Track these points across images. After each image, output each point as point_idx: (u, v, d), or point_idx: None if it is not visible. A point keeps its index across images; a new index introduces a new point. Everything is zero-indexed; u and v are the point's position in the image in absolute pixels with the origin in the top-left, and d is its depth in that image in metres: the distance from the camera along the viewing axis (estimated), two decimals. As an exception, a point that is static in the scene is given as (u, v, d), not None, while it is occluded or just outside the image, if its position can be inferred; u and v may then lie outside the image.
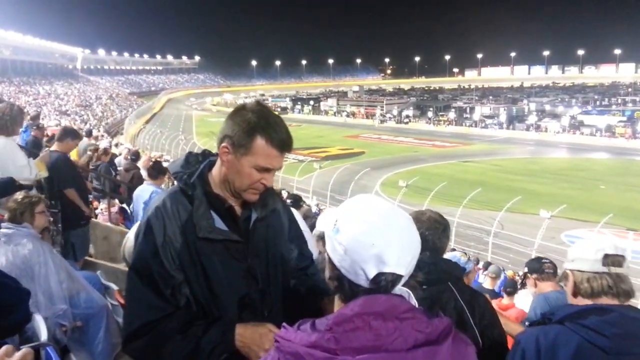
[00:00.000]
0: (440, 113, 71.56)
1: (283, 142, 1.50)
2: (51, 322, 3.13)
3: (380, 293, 1.05)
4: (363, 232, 1.04)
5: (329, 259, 1.11)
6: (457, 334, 1.06)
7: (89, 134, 11.26)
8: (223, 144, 1.52)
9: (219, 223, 1.55)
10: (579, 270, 1.72)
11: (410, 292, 1.10)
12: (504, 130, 59.45)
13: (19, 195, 3.46)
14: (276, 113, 1.56)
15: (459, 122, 65.95)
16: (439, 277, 2.02)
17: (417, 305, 1.09)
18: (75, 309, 3.39)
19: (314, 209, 16.97)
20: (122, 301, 3.46)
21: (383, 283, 1.04)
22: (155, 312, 1.47)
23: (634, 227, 22.46)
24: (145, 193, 5.17)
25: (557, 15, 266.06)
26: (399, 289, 1.08)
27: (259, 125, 1.47)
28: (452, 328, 1.05)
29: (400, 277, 1.06)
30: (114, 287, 3.93)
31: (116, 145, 18.66)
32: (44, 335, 2.85)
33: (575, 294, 1.74)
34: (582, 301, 1.72)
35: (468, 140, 54.49)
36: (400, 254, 1.04)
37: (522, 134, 57.13)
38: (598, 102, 78.40)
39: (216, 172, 1.59)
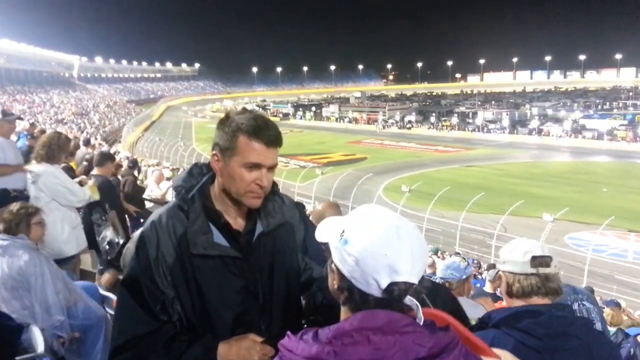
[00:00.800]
0: (443, 118, 71.45)
1: (267, 136, 1.46)
2: (48, 334, 3.11)
3: (393, 302, 1.05)
4: (374, 243, 1.04)
5: (337, 269, 1.10)
6: (467, 350, 1.05)
7: (87, 142, 11.41)
8: (212, 153, 1.52)
9: (218, 237, 1.52)
10: (510, 272, 1.80)
11: (419, 305, 1.10)
12: (507, 135, 59.36)
13: (14, 206, 3.40)
14: (262, 114, 1.55)
15: (462, 127, 65.85)
16: None
17: (422, 318, 1.09)
18: (73, 320, 3.34)
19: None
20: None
21: (396, 292, 1.04)
22: (143, 327, 1.46)
23: (636, 228, 22.58)
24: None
25: (558, 21, 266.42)
26: (409, 299, 1.09)
27: (241, 125, 1.46)
28: (458, 342, 1.05)
29: (412, 285, 1.05)
30: (113, 297, 3.84)
31: (115, 153, 18.83)
32: (40, 347, 2.86)
33: (509, 293, 1.82)
34: (515, 301, 1.81)
35: (471, 145, 54.47)
36: (412, 263, 1.04)
37: (525, 138, 57.07)
38: (600, 106, 78.35)
39: (216, 183, 1.56)
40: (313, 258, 1.68)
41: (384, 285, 1.03)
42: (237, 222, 1.57)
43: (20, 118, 5.11)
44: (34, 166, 4.36)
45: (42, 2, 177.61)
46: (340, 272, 1.09)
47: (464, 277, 3.49)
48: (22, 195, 4.06)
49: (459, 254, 17.54)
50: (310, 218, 2.92)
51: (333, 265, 1.12)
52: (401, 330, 1.01)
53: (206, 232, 1.50)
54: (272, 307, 1.59)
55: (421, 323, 1.08)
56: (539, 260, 1.74)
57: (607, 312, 5.79)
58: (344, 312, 1.12)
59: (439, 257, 12.06)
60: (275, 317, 1.60)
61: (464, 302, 2.78)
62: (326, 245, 1.16)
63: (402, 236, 1.06)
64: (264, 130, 1.46)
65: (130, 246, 1.56)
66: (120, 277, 1.75)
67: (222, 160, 1.49)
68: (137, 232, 1.56)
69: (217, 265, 1.50)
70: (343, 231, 1.10)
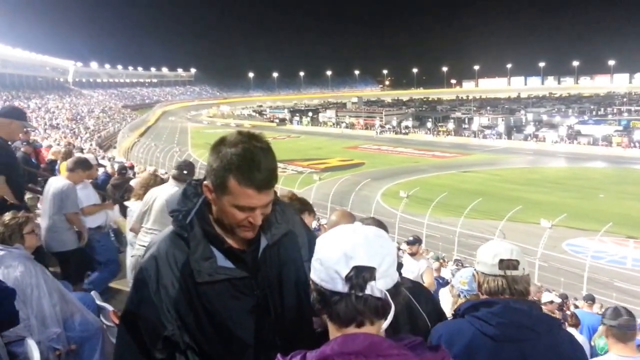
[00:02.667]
0: (439, 124, 71.81)
1: (259, 182, 1.36)
2: (44, 346, 3.07)
3: (357, 292, 1.06)
4: (333, 240, 1.12)
5: (312, 282, 1.15)
6: None
7: (81, 150, 11.32)
8: (205, 182, 1.43)
9: (222, 260, 1.46)
10: (481, 272, 1.92)
11: (387, 293, 1.10)
12: (503, 140, 59.71)
13: (6, 217, 3.36)
14: (259, 145, 1.39)
15: (458, 133, 66.22)
16: None
17: (392, 305, 1.11)
18: (70, 332, 3.30)
19: (314, 224, 17.00)
20: (117, 322, 3.32)
21: (355, 280, 1.06)
22: None
23: (635, 235, 22.60)
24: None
25: (551, 27, 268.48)
26: (377, 289, 1.08)
27: (231, 164, 1.35)
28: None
29: (372, 269, 1.07)
30: (109, 307, 3.83)
31: (109, 159, 18.71)
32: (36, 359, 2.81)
33: (480, 292, 1.95)
34: (485, 297, 1.93)
35: (467, 150, 54.67)
36: (367, 248, 1.09)
37: (521, 143, 57.35)
38: (594, 112, 78.91)
39: (212, 209, 1.49)
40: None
41: (344, 274, 1.06)
42: (240, 241, 1.49)
43: (34, 129, 5.04)
44: (131, 203, 5.26)
45: (36, 7, 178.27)
46: (314, 283, 1.13)
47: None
48: (18, 205, 3.96)
49: (458, 261, 17.48)
50: (326, 227, 2.89)
51: (310, 282, 1.15)
52: (384, 353, 1.02)
53: (209, 257, 1.45)
54: (285, 320, 1.54)
55: (387, 322, 1.11)
56: (506, 263, 1.85)
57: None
58: (330, 329, 1.13)
59: (442, 266, 11.99)
60: (291, 330, 1.54)
61: None
62: None
63: (357, 230, 1.13)
64: (255, 174, 1.36)
65: (134, 279, 1.51)
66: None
67: (214, 193, 1.41)
68: (139, 266, 1.50)
69: (225, 289, 1.45)
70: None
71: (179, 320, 1.43)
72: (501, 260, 1.86)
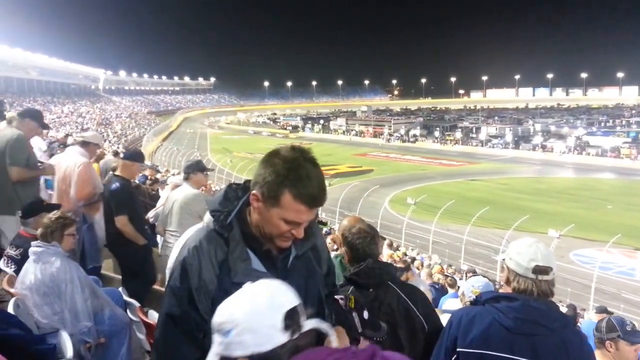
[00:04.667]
0: (447, 132, 71.68)
1: (313, 198, 1.41)
2: (76, 339, 3.17)
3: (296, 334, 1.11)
4: (245, 307, 1.15)
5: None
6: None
7: (116, 154, 11.51)
8: (253, 192, 1.46)
9: (257, 264, 1.50)
10: (513, 270, 2.00)
11: (318, 320, 1.18)
12: (510, 150, 59.51)
13: (54, 214, 3.48)
14: (312, 162, 1.43)
15: (466, 142, 66.09)
16: (381, 279, 2.35)
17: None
18: (100, 325, 3.41)
19: (324, 229, 17.11)
20: (143, 318, 3.43)
21: (291, 324, 1.12)
22: (189, 358, 1.46)
23: (643, 247, 22.52)
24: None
25: (560, 39, 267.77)
26: (308, 323, 1.15)
27: (288, 179, 1.38)
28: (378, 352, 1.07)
29: (300, 306, 1.15)
30: (136, 303, 3.86)
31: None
32: (69, 352, 2.91)
33: (508, 284, 2.04)
34: (510, 292, 2.03)
35: (475, 159, 54.55)
36: (280, 291, 1.18)
37: (528, 153, 57.13)
38: (603, 124, 78.48)
39: (253, 215, 1.52)
40: (328, 276, 1.76)
41: (280, 323, 1.10)
42: (272, 247, 1.54)
43: (48, 127, 5.11)
44: None
45: (71, 20, 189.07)
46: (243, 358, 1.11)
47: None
48: (54, 205, 4.07)
49: (476, 273, 17.47)
50: (337, 232, 3.00)
51: None
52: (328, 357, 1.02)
53: (245, 259, 1.49)
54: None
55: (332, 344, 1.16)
56: (539, 269, 1.94)
57: None
58: None
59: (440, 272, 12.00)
60: None
61: None
62: None
63: (248, 289, 1.19)
64: (311, 191, 1.39)
65: (174, 273, 1.51)
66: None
67: (263, 203, 1.44)
68: (178, 260, 1.52)
69: None
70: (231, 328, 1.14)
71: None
72: (536, 266, 1.94)
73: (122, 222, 4.57)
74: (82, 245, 4.66)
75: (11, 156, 4.12)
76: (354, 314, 2.01)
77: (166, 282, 1.57)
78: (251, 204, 1.49)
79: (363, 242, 2.45)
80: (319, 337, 1.21)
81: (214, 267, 1.47)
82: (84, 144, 4.95)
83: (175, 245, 1.74)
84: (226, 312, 1.16)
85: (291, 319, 1.10)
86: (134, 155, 4.93)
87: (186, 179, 4.84)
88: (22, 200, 4.02)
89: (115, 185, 4.67)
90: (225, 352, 1.13)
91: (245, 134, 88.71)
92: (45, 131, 9.64)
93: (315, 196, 1.40)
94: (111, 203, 4.63)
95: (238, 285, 1.41)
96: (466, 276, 13.53)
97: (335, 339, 1.23)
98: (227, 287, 1.44)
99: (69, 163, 4.70)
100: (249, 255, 1.50)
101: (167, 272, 1.75)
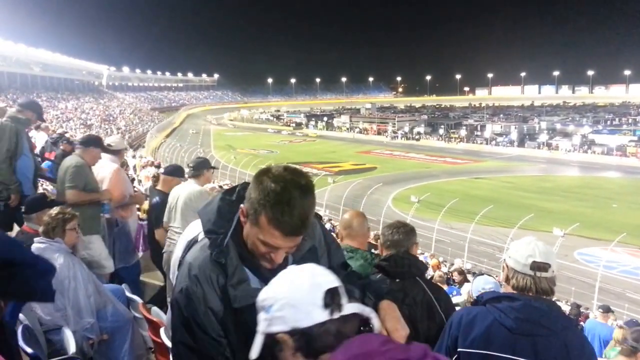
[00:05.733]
0: (452, 130, 71.60)
1: (287, 226, 1.35)
2: (79, 336, 3.19)
3: (335, 314, 1.11)
4: (290, 284, 1.16)
5: (281, 336, 1.13)
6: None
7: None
8: (242, 205, 1.44)
9: (255, 282, 1.47)
10: (512, 268, 2.01)
11: (360, 305, 1.17)
12: (515, 148, 59.36)
13: (54, 211, 3.50)
14: (300, 186, 1.36)
15: (470, 140, 65.97)
16: (410, 271, 2.44)
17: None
18: (103, 322, 3.43)
19: (328, 226, 17.13)
20: (146, 314, 3.45)
21: (332, 301, 1.11)
22: None
23: (648, 246, 22.43)
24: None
25: (566, 36, 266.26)
26: (350, 306, 1.14)
27: (267, 201, 1.33)
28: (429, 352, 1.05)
29: (338, 288, 1.14)
30: (139, 300, 3.90)
31: (139, 157, 19.01)
32: (72, 348, 2.91)
33: (507, 283, 2.05)
34: (509, 290, 2.04)
35: (479, 157, 54.47)
36: (325, 273, 1.18)
37: (533, 151, 57.00)
38: (609, 122, 78.13)
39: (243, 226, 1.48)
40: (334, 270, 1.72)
41: (320, 300, 1.10)
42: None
43: (109, 151, 5.24)
44: None
45: (75, 15, 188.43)
46: (285, 334, 1.12)
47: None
48: (58, 201, 4.10)
49: (467, 270, 17.46)
50: (338, 226, 3.03)
51: (277, 340, 1.14)
52: (381, 350, 1.01)
53: (244, 280, 1.46)
54: None
55: (375, 329, 1.17)
56: (537, 265, 1.94)
57: (617, 330, 5.68)
58: None
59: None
60: None
61: None
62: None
63: (304, 268, 1.20)
64: (287, 219, 1.33)
65: (179, 302, 1.48)
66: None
67: (247, 219, 1.42)
68: (180, 288, 1.48)
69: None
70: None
71: (225, 338, 1.45)
72: (533, 262, 1.94)
73: (160, 234, 4.90)
74: (112, 246, 4.82)
75: (70, 180, 4.37)
76: None
77: (170, 306, 1.54)
78: (240, 217, 1.46)
79: (401, 234, 2.64)
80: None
81: (217, 292, 1.45)
82: (113, 150, 5.16)
83: (179, 241, 1.72)
84: (269, 290, 1.18)
85: (331, 298, 1.11)
86: (174, 171, 5.41)
87: (195, 176, 4.84)
88: (84, 222, 4.13)
89: (155, 199, 5.15)
90: (267, 328, 1.15)
91: (248, 130, 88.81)
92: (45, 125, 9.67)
93: (290, 225, 1.34)
94: (151, 216, 4.95)
95: (241, 308, 1.43)
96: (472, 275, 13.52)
97: (378, 321, 1.23)
98: (232, 311, 1.45)
99: (103, 171, 4.88)
100: (247, 276, 1.47)
101: (172, 270, 1.73)
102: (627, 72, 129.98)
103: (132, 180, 9.69)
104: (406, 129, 75.26)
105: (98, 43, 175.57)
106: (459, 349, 1.97)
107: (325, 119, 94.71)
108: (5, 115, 4.85)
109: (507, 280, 2.03)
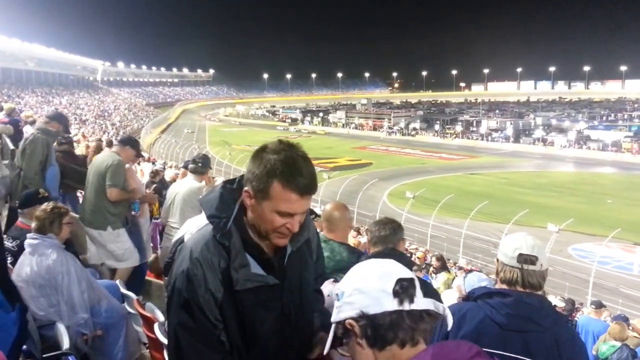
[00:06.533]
0: (447, 126, 71.68)
1: (303, 186, 1.41)
2: (73, 331, 3.19)
3: (406, 306, 1.09)
4: (363, 270, 1.17)
5: (350, 321, 1.13)
6: None
7: (110, 144, 11.48)
8: (245, 188, 1.46)
9: (255, 267, 1.50)
10: (501, 261, 2.02)
11: (435, 301, 1.14)
12: (511, 144, 59.49)
13: (47, 206, 3.47)
14: (299, 153, 1.45)
15: (466, 135, 66.10)
16: None
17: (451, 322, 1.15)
18: (97, 318, 3.43)
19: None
20: (141, 310, 3.45)
21: (402, 290, 1.09)
22: None
23: (642, 242, 22.54)
24: None
25: (562, 32, 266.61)
26: (424, 301, 1.12)
27: (276, 169, 1.39)
28: None
29: (412, 280, 1.12)
30: (133, 296, 3.90)
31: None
32: (66, 344, 2.91)
33: (497, 276, 2.06)
34: (501, 285, 2.04)
35: (475, 153, 54.57)
36: (397, 265, 1.16)
37: (529, 147, 57.16)
38: (604, 118, 78.34)
39: (248, 216, 1.52)
40: (317, 263, 1.78)
41: (390, 288, 1.09)
42: (268, 248, 1.54)
43: (142, 156, 5.44)
44: None
45: (69, 10, 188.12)
46: (354, 319, 1.12)
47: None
48: (50, 196, 4.12)
49: (476, 271, 17.50)
50: (321, 218, 3.07)
51: (345, 325, 1.14)
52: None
53: (245, 264, 1.49)
54: (302, 324, 1.62)
55: (449, 326, 1.14)
56: (524, 258, 1.94)
57: (612, 326, 5.75)
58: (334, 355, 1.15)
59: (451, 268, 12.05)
60: (306, 333, 1.65)
61: None
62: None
63: (380, 261, 1.18)
64: (299, 179, 1.40)
65: (178, 284, 1.49)
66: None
67: (255, 199, 1.45)
68: (181, 270, 1.49)
69: (258, 295, 1.50)
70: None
71: (222, 322, 1.48)
72: (520, 255, 1.95)
73: None
74: None
75: (111, 178, 4.57)
76: None
77: (168, 291, 1.55)
78: (244, 202, 1.49)
79: (384, 229, 2.66)
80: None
81: (217, 276, 1.47)
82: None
83: (177, 233, 1.73)
84: (344, 279, 1.19)
85: (402, 287, 1.09)
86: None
87: (199, 172, 4.84)
88: (114, 217, 4.63)
89: None
90: (337, 316, 1.15)
91: (244, 126, 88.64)
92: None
93: (304, 183, 1.41)
94: None
95: (240, 292, 1.47)
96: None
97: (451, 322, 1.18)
98: (232, 293, 1.47)
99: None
100: (248, 261, 1.49)
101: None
102: (623, 68, 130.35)
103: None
104: (402, 124, 75.31)
105: (93, 38, 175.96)
106: None
107: (321, 114, 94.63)
108: (34, 127, 5.21)
109: (497, 274, 2.05)
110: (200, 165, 4.84)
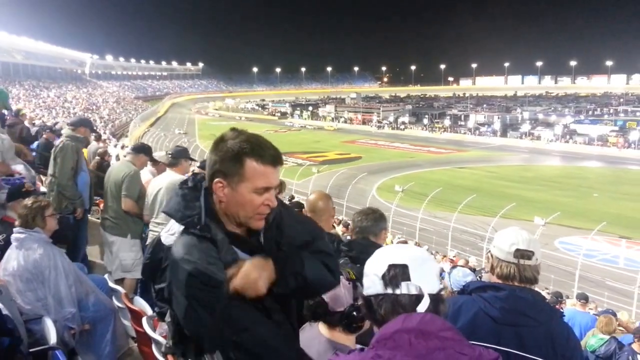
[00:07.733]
0: (436, 120, 72.14)
1: (274, 157, 1.47)
2: (60, 325, 3.17)
3: (393, 290, 1.15)
4: (378, 255, 1.25)
5: (361, 298, 1.25)
6: None
7: (98, 138, 11.38)
8: (216, 180, 1.46)
9: (241, 254, 1.51)
10: (497, 257, 2.01)
11: (422, 287, 1.16)
12: (498, 138, 59.95)
13: (28, 201, 3.44)
14: (255, 133, 1.51)
15: (454, 129, 66.50)
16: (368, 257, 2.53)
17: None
18: (84, 312, 3.42)
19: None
20: (129, 304, 3.45)
21: (388, 278, 1.16)
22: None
23: (627, 234, 22.80)
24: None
25: (549, 27, 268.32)
26: (413, 286, 1.16)
27: (245, 148, 1.43)
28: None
29: (405, 267, 1.16)
30: (122, 290, 3.89)
31: (122, 147, 18.83)
32: (53, 338, 2.89)
33: (492, 273, 2.05)
34: (494, 280, 2.04)
35: (463, 146, 54.89)
36: (401, 251, 1.22)
37: (516, 141, 57.65)
38: (590, 112, 79.18)
39: (218, 207, 1.51)
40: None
41: (381, 273, 1.18)
42: (243, 233, 1.56)
43: (157, 162, 5.46)
44: None
45: (57, 3, 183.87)
46: (363, 298, 1.24)
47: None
48: (34, 191, 4.11)
49: (453, 260, 17.63)
50: (305, 207, 3.11)
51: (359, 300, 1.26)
52: (440, 335, 1.07)
53: (233, 253, 1.49)
54: (287, 293, 1.61)
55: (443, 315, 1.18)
56: (520, 253, 1.95)
57: (600, 319, 5.83)
58: (322, 328, 1.28)
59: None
60: (290, 304, 1.66)
61: None
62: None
63: (399, 245, 1.27)
64: (268, 151, 1.46)
65: (177, 259, 1.47)
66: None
67: (229, 187, 1.46)
68: (177, 258, 1.47)
69: None
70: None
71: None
72: (517, 250, 1.95)
73: None
74: None
75: (126, 189, 4.78)
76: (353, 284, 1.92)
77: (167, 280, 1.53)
78: (216, 195, 1.49)
79: (366, 219, 2.71)
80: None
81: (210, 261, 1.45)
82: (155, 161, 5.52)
83: (163, 231, 1.69)
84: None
85: (391, 273, 1.16)
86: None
87: (173, 164, 4.77)
88: (132, 226, 4.87)
89: None
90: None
91: (234, 120, 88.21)
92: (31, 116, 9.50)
93: (274, 154, 1.48)
94: None
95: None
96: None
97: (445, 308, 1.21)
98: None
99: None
100: (234, 250, 1.50)
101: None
102: (609, 63, 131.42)
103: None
104: (391, 118, 75.55)
105: (81, 31, 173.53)
106: None
107: (310, 108, 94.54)
108: (63, 135, 5.29)
109: (492, 269, 2.04)
110: (171, 157, 4.80)
